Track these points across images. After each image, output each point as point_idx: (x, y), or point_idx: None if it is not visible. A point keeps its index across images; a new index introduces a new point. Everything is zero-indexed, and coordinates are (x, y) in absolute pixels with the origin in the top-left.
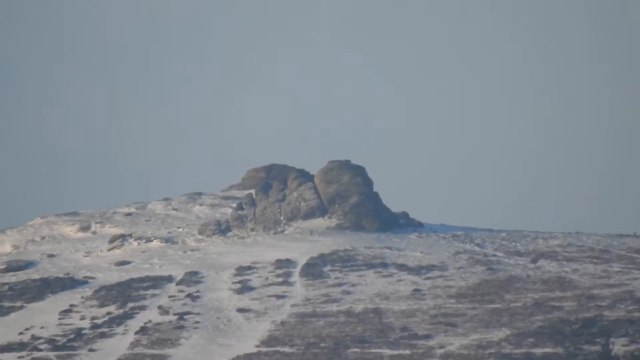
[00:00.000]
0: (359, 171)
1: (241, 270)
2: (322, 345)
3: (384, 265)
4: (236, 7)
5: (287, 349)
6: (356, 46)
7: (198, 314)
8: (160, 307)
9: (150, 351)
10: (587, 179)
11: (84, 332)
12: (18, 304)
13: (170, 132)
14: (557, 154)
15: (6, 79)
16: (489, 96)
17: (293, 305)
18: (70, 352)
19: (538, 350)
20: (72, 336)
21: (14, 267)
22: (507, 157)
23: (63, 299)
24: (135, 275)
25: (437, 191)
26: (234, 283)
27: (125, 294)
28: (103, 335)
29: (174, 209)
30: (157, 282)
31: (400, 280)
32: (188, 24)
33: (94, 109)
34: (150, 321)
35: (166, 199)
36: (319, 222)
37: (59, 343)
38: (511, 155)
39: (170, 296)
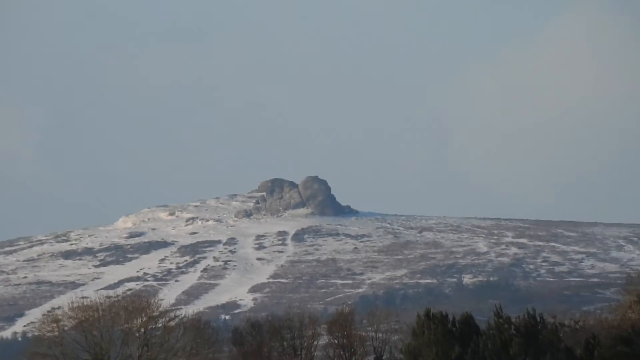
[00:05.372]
0: (323, 182)
1: (258, 237)
2: (303, 278)
3: (337, 234)
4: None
5: (284, 280)
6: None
7: (235, 261)
8: (214, 257)
9: (208, 281)
10: (448, 178)
11: (172, 271)
12: (135, 255)
13: (214, 156)
14: (441, 164)
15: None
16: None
17: (287, 256)
18: (164, 282)
19: (423, 281)
20: (165, 273)
21: (133, 235)
22: (404, 169)
23: (160, 253)
24: (200, 239)
25: (366, 193)
26: (254, 244)
27: (194, 250)
28: (182, 273)
29: (221, 203)
30: (212, 243)
31: (346, 243)
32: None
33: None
34: (208, 265)
35: (216, 198)
36: (302, 210)
37: (158, 277)
38: (406, 166)
39: (219, 251)
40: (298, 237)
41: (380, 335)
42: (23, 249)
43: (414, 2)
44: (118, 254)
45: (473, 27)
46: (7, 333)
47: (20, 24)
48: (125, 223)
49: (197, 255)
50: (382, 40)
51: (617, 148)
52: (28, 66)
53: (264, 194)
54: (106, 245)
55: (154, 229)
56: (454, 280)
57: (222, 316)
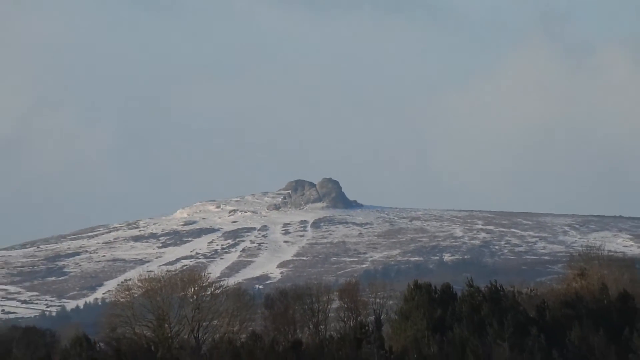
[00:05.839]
0: (335, 182)
1: (285, 225)
2: (320, 256)
3: (346, 223)
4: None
5: (304, 258)
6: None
7: (266, 243)
8: (250, 240)
9: (246, 259)
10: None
11: (217, 251)
12: (189, 239)
13: (252, 162)
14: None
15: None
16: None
17: (307, 240)
18: (211, 259)
19: (412, 259)
20: (213, 253)
21: (187, 223)
22: (398, 171)
23: (208, 237)
24: (239, 227)
25: (369, 190)
26: (282, 230)
27: (235, 235)
28: (225, 252)
29: (256, 199)
30: (249, 229)
31: (353, 229)
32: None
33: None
34: (246, 246)
35: (252, 194)
36: (319, 204)
37: (207, 256)
38: (400, 169)
39: (254, 236)
40: (316, 225)
41: (379, 300)
42: (102, 233)
43: (406, 50)
44: (176, 237)
45: (448, 62)
46: (90, 299)
47: (100, 62)
48: (181, 214)
49: (237, 239)
50: (379, 74)
51: (562, 153)
52: (107, 91)
53: (290, 191)
54: (167, 231)
55: (204, 218)
56: (437, 258)
57: (257, 286)
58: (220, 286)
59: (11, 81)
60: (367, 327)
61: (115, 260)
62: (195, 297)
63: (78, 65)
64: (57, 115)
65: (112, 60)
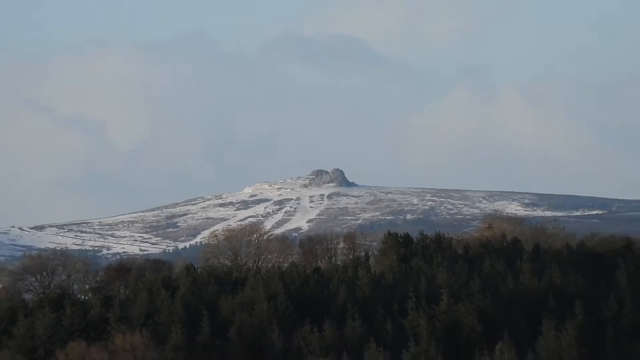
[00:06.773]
0: (341, 171)
1: (311, 197)
2: (332, 216)
3: (347, 195)
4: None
5: (323, 217)
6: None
7: (300, 208)
8: (289, 206)
9: (287, 217)
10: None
11: (270, 213)
12: (252, 205)
13: (291, 160)
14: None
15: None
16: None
17: (324, 206)
18: (266, 218)
19: (387, 217)
20: (267, 214)
21: (252, 196)
22: (379, 164)
23: (264, 204)
24: (283, 198)
25: (361, 175)
26: (309, 200)
27: (280, 203)
28: (275, 214)
29: (293, 181)
30: (288, 200)
31: (351, 199)
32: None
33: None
34: (287, 210)
35: (291, 178)
36: (331, 184)
37: (264, 215)
38: (381, 163)
39: (292, 203)
40: (329, 197)
41: (367, 243)
42: (200, 202)
43: (379, 87)
44: (244, 205)
45: (407, 96)
46: (193, 242)
47: (189, 96)
48: (247, 190)
49: (282, 206)
50: (363, 101)
51: (478, 154)
52: (196, 113)
53: (313, 176)
54: (239, 201)
55: (261, 193)
56: (402, 217)
57: (293, 234)
58: (272, 234)
59: (145, 112)
60: (360, 259)
61: (207, 218)
62: (256, 240)
63: (178, 100)
64: (167, 132)
65: (198, 94)
